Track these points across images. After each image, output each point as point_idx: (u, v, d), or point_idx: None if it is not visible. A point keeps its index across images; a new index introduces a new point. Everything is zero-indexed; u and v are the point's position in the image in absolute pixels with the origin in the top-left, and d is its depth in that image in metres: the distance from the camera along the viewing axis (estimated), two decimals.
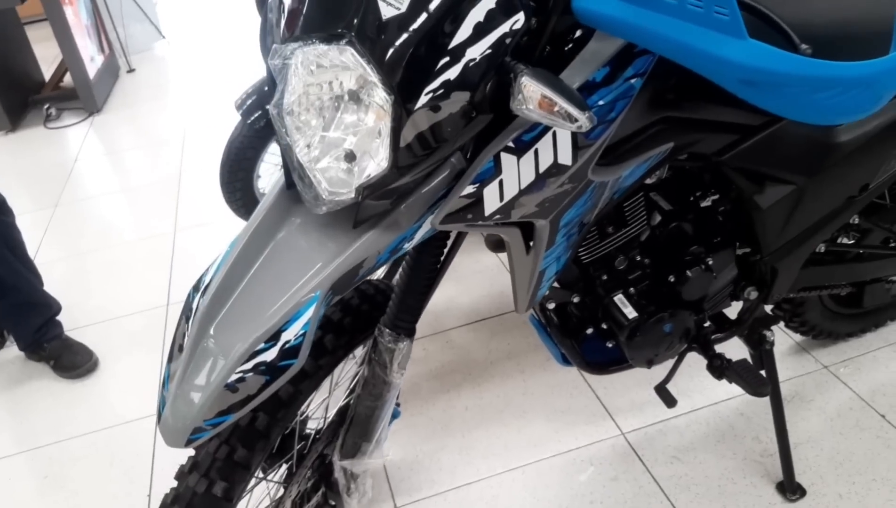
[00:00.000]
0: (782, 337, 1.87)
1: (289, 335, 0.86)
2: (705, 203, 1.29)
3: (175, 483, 1.04)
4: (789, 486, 1.50)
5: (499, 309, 2.14)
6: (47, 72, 4.40)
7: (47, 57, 4.43)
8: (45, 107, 4.10)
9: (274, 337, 0.86)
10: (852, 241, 1.49)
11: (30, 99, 4.17)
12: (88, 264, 2.69)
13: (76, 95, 4.08)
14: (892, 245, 1.54)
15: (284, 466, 1.27)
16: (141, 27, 5.11)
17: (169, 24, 5.45)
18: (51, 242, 2.86)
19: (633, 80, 0.92)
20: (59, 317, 2.19)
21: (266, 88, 2.36)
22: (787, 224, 1.24)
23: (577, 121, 0.76)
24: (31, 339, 2.13)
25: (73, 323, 2.27)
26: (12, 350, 2.24)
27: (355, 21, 0.76)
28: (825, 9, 1.00)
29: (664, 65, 0.90)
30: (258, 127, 2.29)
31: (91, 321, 2.34)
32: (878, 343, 1.85)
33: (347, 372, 1.35)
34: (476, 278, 2.27)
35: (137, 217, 2.99)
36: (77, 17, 4.06)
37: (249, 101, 2.31)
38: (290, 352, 0.86)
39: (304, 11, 0.80)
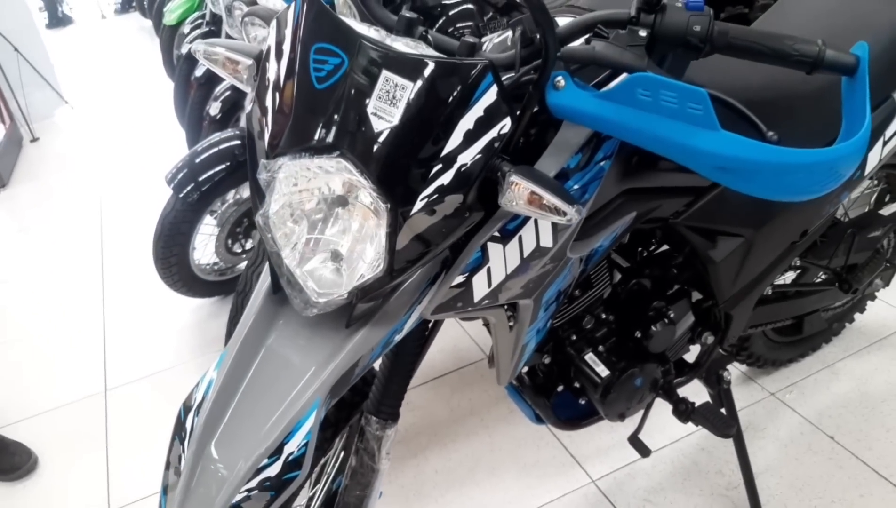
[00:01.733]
0: (730, 368, 1.96)
1: (291, 447, 0.84)
2: (658, 255, 1.35)
3: None
4: None
5: (455, 364, 2.15)
6: None
7: None
8: None
9: (277, 451, 0.84)
10: (792, 279, 1.59)
11: None
12: (13, 355, 2.53)
13: None
14: (825, 278, 1.64)
15: None
16: (41, 93, 4.92)
17: (70, 88, 5.26)
18: None
19: (602, 163, 0.97)
20: None
21: (197, 160, 2.31)
22: (739, 273, 1.32)
23: (566, 214, 0.79)
24: None
25: (5, 420, 2.13)
26: None
27: (346, 135, 0.77)
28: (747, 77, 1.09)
29: (627, 144, 0.96)
30: (192, 200, 2.25)
31: (24, 415, 2.19)
32: (816, 366, 1.96)
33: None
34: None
35: (60, 298, 2.84)
36: None
37: (181, 175, 2.26)
38: (294, 464, 0.84)
39: (289, 125, 0.80)
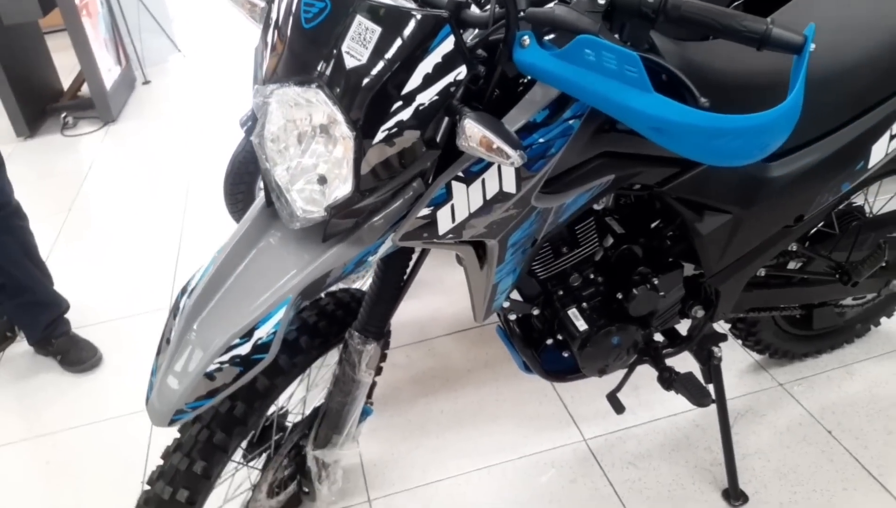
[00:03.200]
0: (742, 355, 1.99)
1: (261, 332, 0.99)
2: (654, 227, 1.42)
3: (161, 462, 1.17)
4: (733, 493, 1.61)
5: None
6: (66, 81, 4.58)
7: (66, 67, 4.61)
8: (63, 115, 4.28)
9: (248, 334, 0.99)
10: (796, 267, 1.61)
11: (48, 107, 4.35)
12: (97, 267, 2.84)
13: (93, 105, 4.25)
14: (837, 275, 1.65)
15: (263, 455, 1.41)
16: (157, 41, 5.31)
17: (185, 39, 5.64)
18: (63, 244, 3.01)
19: (571, 121, 1.05)
20: (67, 315, 2.34)
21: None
22: (726, 249, 1.36)
23: (510, 158, 0.89)
24: (41, 335, 2.27)
25: (81, 321, 2.41)
26: (22, 345, 2.39)
27: (324, 69, 0.90)
28: (738, 63, 1.13)
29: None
30: None
31: (98, 320, 2.48)
32: (832, 364, 1.96)
33: (325, 375, 1.49)
34: (460, 291, 2.40)
35: (146, 224, 3.14)
36: (95, 30, 4.24)
37: (252, 119, 2.46)
38: (261, 348, 0.99)
39: (281, 58, 0.94)
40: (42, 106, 4.32)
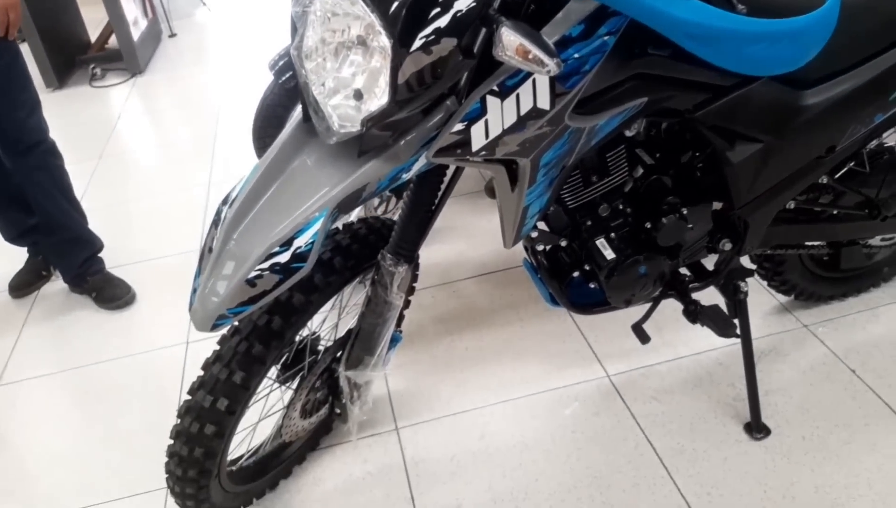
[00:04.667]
0: (766, 297, 2.00)
1: (300, 242, 1.02)
2: (685, 159, 1.42)
3: (202, 372, 1.22)
4: (756, 426, 1.63)
5: (505, 264, 2.29)
6: (94, 33, 4.61)
7: (94, 19, 4.63)
8: (91, 67, 4.32)
9: (287, 243, 1.02)
10: (826, 202, 1.61)
11: (77, 58, 4.39)
12: (129, 210, 2.90)
13: (120, 57, 4.29)
14: (866, 210, 1.64)
15: (297, 377, 1.45)
16: None
17: None
18: (95, 190, 3.07)
19: (606, 38, 1.05)
20: (101, 255, 2.40)
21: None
22: (756, 179, 1.37)
23: (546, 66, 0.90)
24: (76, 273, 2.34)
25: (115, 262, 2.47)
26: (58, 283, 2.46)
27: None
28: None
29: (636, 25, 1.04)
30: (289, 86, 2.45)
31: (131, 261, 2.54)
32: (859, 307, 1.96)
33: (355, 302, 1.52)
34: (485, 236, 2.42)
35: (176, 170, 3.19)
36: None
37: (281, 62, 2.46)
38: (300, 257, 1.02)
39: None
40: (71, 57, 4.36)
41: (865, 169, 1.61)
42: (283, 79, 2.45)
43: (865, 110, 1.33)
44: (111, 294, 2.33)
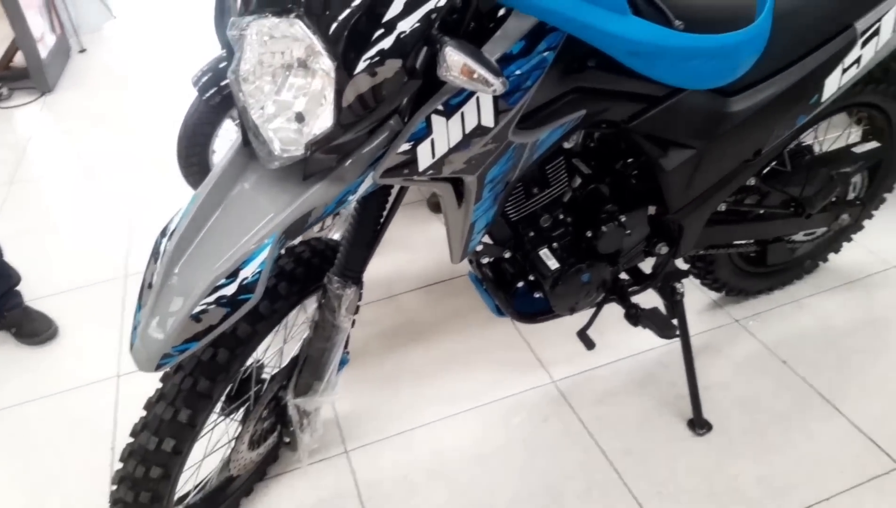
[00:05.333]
0: (699, 295, 2.07)
1: (246, 272, 0.99)
2: (620, 167, 1.45)
3: (144, 413, 1.16)
4: (698, 422, 1.68)
5: (446, 275, 2.29)
6: None
7: None
8: None
9: (233, 274, 0.98)
10: (753, 202, 1.67)
11: None
12: (46, 239, 2.75)
13: (28, 75, 4.06)
14: (792, 208, 1.72)
15: (242, 408, 1.40)
16: (92, 6, 5.08)
17: (120, 4, 5.42)
18: (7, 219, 2.89)
19: (545, 53, 1.06)
20: (18, 288, 2.26)
21: (221, 65, 2.47)
22: (690, 184, 1.41)
23: (492, 85, 0.90)
24: None
25: (34, 295, 2.34)
26: None
27: None
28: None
29: (574, 41, 1.06)
30: (214, 103, 2.38)
31: (51, 292, 2.40)
32: (784, 299, 2.06)
33: (300, 326, 1.48)
34: (424, 247, 2.41)
35: (94, 193, 3.04)
36: None
37: (205, 78, 2.39)
38: (247, 288, 0.99)
39: None
40: None
41: (787, 168, 1.69)
42: (208, 95, 2.37)
43: (788, 114, 1.39)
44: (32, 329, 2.20)
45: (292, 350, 1.47)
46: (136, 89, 4.09)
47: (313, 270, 1.30)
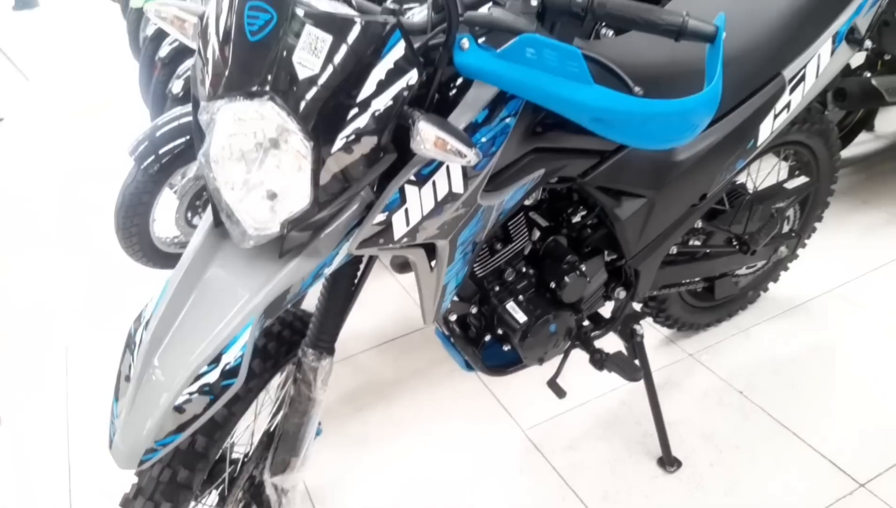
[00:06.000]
0: (653, 332, 2.13)
1: (228, 357, 0.96)
2: (576, 218, 1.50)
3: None
4: (668, 460, 1.72)
5: (403, 330, 2.28)
6: None
7: None
8: None
9: (215, 360, 0.96)
10: (699, 243, 1.75)
11: None
12: None
13: None
14: (727, 241, 1.80)
15: (215, 492, 1.35)
16: (4, 70, 4.93)
17: (35, 68, 5.28)
18: None
19: (507, 120, 1.10)
20: None
21: (157, 134, 2.41)
22: (643, 231, 1.47)
23: (465, 156, 0.93)
24: None
25: None
26: None
27: (275, 80, 0.89)
28: (655, 56, 1.23)
29: (532, 105, 1.10)
30: (153, 171, 2.34)
31: None
32: (732, 330, 2.14)
33: (266, 401, 1.45)
34: (380, 302, 2.40)
35: (24, 267, 2.91)
36: None
37: (142, 147, 2.35)
38: (230, 373, 0.97)
39: (226, 73, 0.92)
40: None
41: (726, 207, 1.78)
42: (146, 164, 2.33)
43: (729, 159, 1.47)
44: None
45: (261, 425, 1.43)
46: (62, 157, 3.97)
47: (286, 344, 1.27)
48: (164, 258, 2.62)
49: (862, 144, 3.09)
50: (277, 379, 1.37)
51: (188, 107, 2.43)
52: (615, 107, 0.92)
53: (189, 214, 2.61)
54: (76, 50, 5.74)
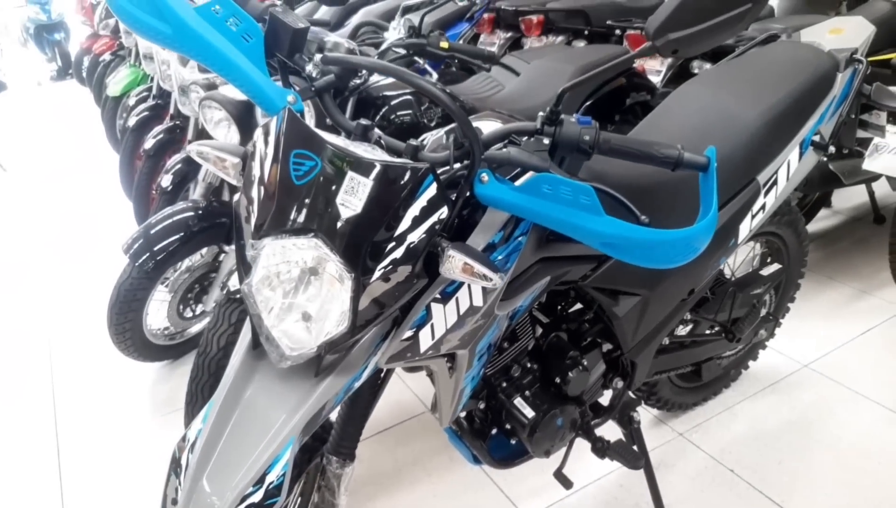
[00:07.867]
0: (643, 413, 2.20)
1: (272, 477, 1.02)
2: (574, 313, 1.59)
3: None
4: None
5: (399, 417, 2.32)
6: None
7: None
8: None
9: (260, 481, 1.01)
10: (687, 331, 1.86)
11: None
12: None
13: None
14: (714, 330, 1.92)
15: None
16: None
17: (5, 156, 5.29)
18: None
19: (520, 238, 1.20)
20: None
21: (152, 232, 2.47)
22: (639, 326, 1.56)
23: (491, 280, 1.01)
24: None
25: None
26: None
27: (321, 220, 0.98)
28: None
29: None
30: (147, 269, 2.38)
31: None
32: (718, 408, 2.23)
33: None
34: None
35: (8, 354, 2.88)
36: None
37: (136, 245, 2.39)
38: (274, 491, 1.02)
39: (272, 212, 1.00)
40: None
41: (709, 296, 1.90)
42: (141, 261, 2.37)
43: (714, 257, 1.59)
44: None
45: None
46: (45, 252, 3.97)
47: (307, 451, 1.32)
48: (153, 350, 2.64)
49: (822, 220, 3.29)
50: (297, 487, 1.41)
51: (180, 205, 2.49)
52: (624, 235, 1.02)
53: (181, 307, 2.64)
54: (49, 137, 5.78)
